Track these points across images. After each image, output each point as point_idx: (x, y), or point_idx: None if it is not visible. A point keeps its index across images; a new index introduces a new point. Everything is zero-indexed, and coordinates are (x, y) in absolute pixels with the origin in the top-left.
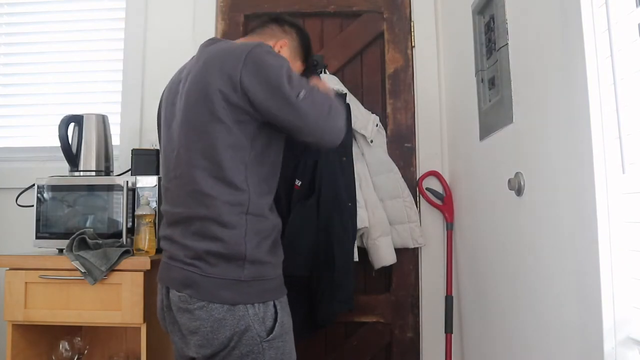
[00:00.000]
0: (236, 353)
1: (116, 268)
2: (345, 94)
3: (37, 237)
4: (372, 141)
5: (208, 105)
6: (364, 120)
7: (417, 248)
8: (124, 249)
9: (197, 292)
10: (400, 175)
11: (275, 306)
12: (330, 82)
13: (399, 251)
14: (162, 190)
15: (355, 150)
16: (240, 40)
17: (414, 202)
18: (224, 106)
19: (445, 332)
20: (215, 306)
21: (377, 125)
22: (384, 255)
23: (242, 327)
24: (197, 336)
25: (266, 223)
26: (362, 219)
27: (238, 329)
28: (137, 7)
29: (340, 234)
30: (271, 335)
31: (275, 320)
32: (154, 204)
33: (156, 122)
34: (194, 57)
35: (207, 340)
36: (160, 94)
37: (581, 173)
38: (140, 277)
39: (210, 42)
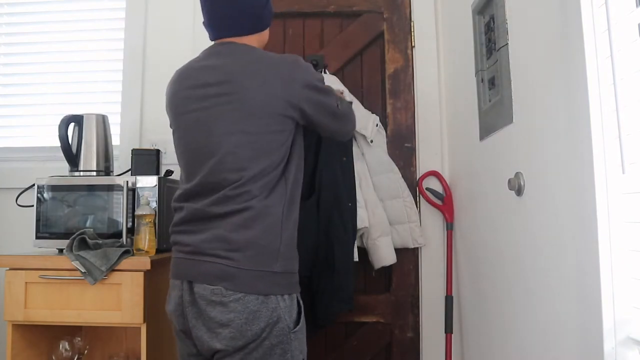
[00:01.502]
0: (267, 344)
1: (116, 268)
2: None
3: (37, 237)
4: (372, 141)
5: (262, 113)
6: (364, 120)
7: (417, 248)
8: (124, 249)
9: (234, 284)
10: (400, 176)
11: (298, 299)
12: (329, 82)
13: (399, 251)
14: (185, 190)
15: (355, 150)
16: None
17: (414, 202)
18: (277, 116)
19: (445, 332)
20: (251, 298)
21: (377, 125)
22: (384, 256)
23: (274, 319)
24: (230, 328)
25: (294, 218)
26: (362, 218)
27: (271, 321)
28: (137, 7)
29: (341, 234)
30: (297, 327)
31: (300, 312)
32: (154, 204)
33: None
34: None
35: (240, 332)
36: (164, 94)
37: (581, 173)
38: (140, 277)
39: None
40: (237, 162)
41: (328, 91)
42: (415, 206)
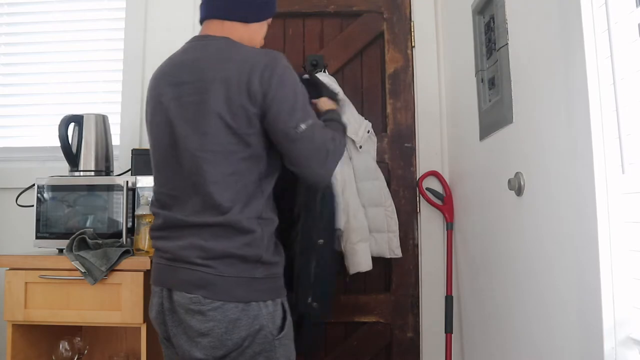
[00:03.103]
0: (249, 352)
1: (116, 268)
2: (337, 93)
3: (37, 237)
4: (361, 147)
5: (226, 115)
6: (356, 125)
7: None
8: (124, 249)
9: (212, 292)
10: (386, 184)
11: (283, 304)
12: (323, 79)
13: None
14: (159, 194)
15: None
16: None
17: (395, 212)
18: (240, 118)
19: (445, 332)
20: (230, 306)
21: (368, 132)
22: (361, 261)
23: (256, 327)
24: (209, 337)
25: (273, 225)
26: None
27: (253, 329)
28: (137, 7)
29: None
30: (282, 333)
31: (284, 318)
32: None
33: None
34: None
35: (220, 342)
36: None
37: (581, 173)
38: (140, 277)
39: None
40: (210, 171)
41: (301, 102)
42: (396, 216)
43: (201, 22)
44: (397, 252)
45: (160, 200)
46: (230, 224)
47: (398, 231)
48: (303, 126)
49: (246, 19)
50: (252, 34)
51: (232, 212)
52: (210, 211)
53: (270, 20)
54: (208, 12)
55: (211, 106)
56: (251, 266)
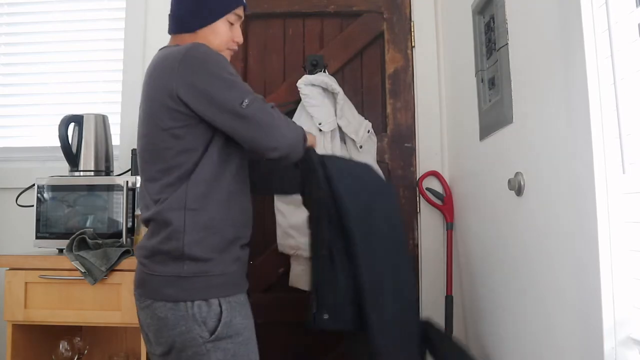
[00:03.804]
0: (183, 355)
1: (116, 268)
2: (336, 93)
3: (37, 237)
4: (361, 147)
5: (153, 111)
6: (356, 124)
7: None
8: (124, 249)
9: (145, 290)
10: None
11: (220, 305)
12: (322, 77)
13: None
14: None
15: (343, 153)
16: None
17: None
18: (165, 111)
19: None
20: (159, 305)
21: (368, 132)
22: None
23: (182, 328)
24: (151, 334)
25: (209, 217)
26: None
27: (179, 330)
28: (137, 7)
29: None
30: (214, 336)
31: (220, 319)
32: None
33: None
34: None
35: (157, 339)
36: None
37: (581, 173)
38: None
39: None
40: (143, 166)
41: (228, 82)
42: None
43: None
44: None
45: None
46: (153, 218)
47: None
48: (245, 103)
49: (190, 29)
50: (207, 38)
51: (156, 205)
52: (147, 208)
53: (230, 16)
54: (168, 30)
55: (146, 111)
56: (178, 264)
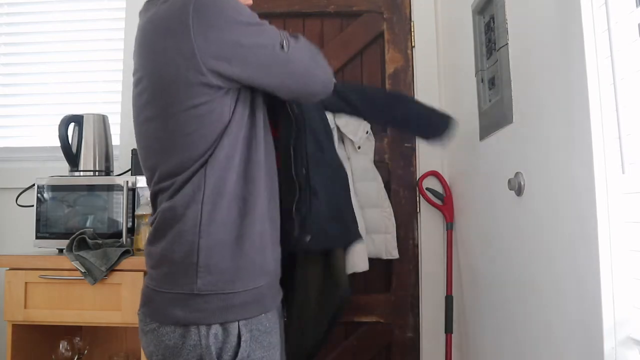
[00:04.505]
0: None
1: (116, 268)
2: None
3: (37, 237)
4: (359, 147)
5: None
6: (355, 125)
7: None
8: (124, 249)
9: (150, 310)
10: (383, 186)
11: (239, 333)
12: None
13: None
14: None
15: (341, 153)
16: None
17: (392, 213)
18: (185, 88)
19: (445, 332)
20: (166, 330)
21: (367, 133)
22: (357, 262)
23: (196, 359)
24: None
25: (223, 216)
26: None
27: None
28: (137, 7)
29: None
30: None
31: (236, 353)
32: None
33: None
34: None
35: None
36: None
37: (581, 173)
38: (140, 277)
39: None
40: (149, 156)
41: (255, 25)
42: (393, 218)
43: None
44: (394, 254)
45: None
46: (161, 216)
47: (395, 232)
48: (285, 45)
49: None
50: None
51: (165, 201)
52: (153, 204)
53: None
54: None
55: (150, 90)
56: (191, 275)
